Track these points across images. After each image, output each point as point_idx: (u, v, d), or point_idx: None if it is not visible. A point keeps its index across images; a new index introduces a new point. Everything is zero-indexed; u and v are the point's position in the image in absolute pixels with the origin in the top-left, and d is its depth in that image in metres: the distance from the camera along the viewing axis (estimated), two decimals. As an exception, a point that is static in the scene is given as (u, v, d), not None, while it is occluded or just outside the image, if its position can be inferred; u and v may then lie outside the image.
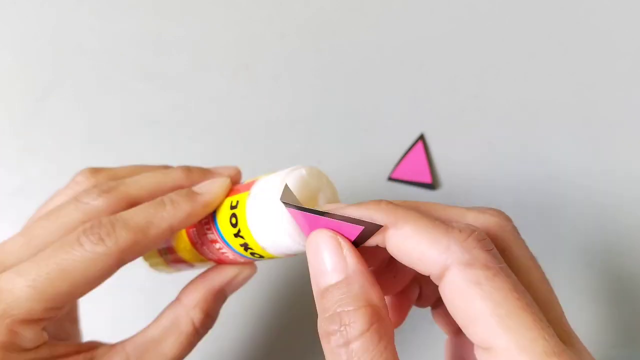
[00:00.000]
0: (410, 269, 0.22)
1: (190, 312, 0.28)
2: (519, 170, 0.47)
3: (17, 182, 0.48)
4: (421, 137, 0.48)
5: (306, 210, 0.22)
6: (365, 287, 0.21)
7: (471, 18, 0.53)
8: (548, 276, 0.23)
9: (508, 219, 0.24)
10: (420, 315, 0.33)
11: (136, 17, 0.54)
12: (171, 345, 0.28)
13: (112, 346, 0.27)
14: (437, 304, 0.29)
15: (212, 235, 0.28)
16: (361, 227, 0.21)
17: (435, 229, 0.21)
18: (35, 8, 0.55)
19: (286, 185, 0.24)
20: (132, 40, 0.53)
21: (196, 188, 0.28)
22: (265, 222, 0.25)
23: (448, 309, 0.21)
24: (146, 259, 0.34)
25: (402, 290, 0.28)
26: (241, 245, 0.27)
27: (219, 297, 0.29)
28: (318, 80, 0.51)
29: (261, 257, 0.27)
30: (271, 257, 0.27)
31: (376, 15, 0.54)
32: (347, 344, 0.20)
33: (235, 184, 0.30)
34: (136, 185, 0.28)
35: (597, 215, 0.46)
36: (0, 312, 0.23)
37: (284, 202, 0.23)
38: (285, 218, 0.24)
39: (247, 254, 0.27)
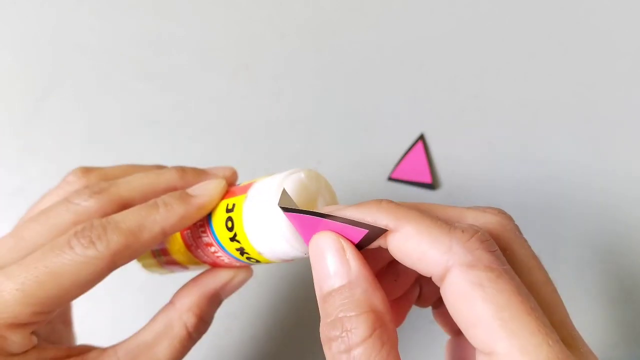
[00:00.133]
0: (412, 271, 0.21)
1: (183, 316, 0.27)
2: (519, 170, 0.47)
3: (17, 182, 0.47)
4: (421, 137, 0.47)
5: (306, 212, 0.21)
6: (368, 292, 0.20)
7: (471, 18, 0.53)
8: (548, 276, 0.22)
9: (509, 218, 0.23)
10: (420, 314, 0.32)
11: (136, 17, 0.54)
12: (164, 349, 0.26)
13: (103, 350, 0.26)
14: (438, 303, 0.28)
15: (207, 239, 0.27)
16: (365, 231, 0.20)
17: (437, 228, 0.20)
18: (35, 8, 0.54)
19: (284, 190, 0.22)
20: (132, 40, 0.53)
21: (190, 190, 0.27)
22: (262, 227, 0.24)
23: (449, 311, 0.20)
24: (139, 259, 0.33)
25: (402, 289, 0.27)
26: (237, 249, 0.25)
27: (213, 301, 0.28)
28: (318, 80, 0.51)
29: (257, 261, 0.26)
30: (268, 262, 0.26)
31: (376, 15, 0.53)
32: (348, 350, 0.19)
33: (231, 185, 0.28)
34: (128, 186, 0.27)
35: (597, 215, 0.45)
36: None
37: (282, 207, 0.22)
38: (283, 223, 0.23)
39: (243, 258, 0.26)
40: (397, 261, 0.21)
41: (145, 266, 0.33)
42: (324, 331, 0.20)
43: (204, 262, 0.29)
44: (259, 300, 0.42)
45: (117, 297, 0.42)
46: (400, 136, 0.48)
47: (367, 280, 0.20)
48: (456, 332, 0.27)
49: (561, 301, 0.21)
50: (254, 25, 0.53)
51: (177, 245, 0.29)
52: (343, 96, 0.50)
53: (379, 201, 0.21)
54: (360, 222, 0.20)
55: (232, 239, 0.25)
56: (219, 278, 0.28)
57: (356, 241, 0.21)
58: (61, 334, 0.30)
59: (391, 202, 0.21)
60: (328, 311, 0.20)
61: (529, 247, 0.22)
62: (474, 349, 0.19)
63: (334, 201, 0.25)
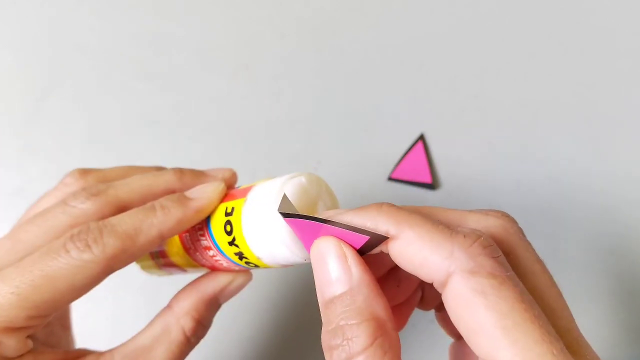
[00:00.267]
0: (415, 277, 0.20)
1: (181, 320, 0.26)
2: (519, 170, 0.46)
3: (17, 182, 0.47)
4: (421, 137, 0.47)
5: (306, 218, 0.21)
6: (370, 299, 0.20)
7: (471, 18, 0.52)
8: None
9: (513, 221, 0.22)
10: (420, 314, 0.31)
11: (136, 17, 0.53)
12: (161, 354, 0.26)
13: (100, 354, 0.26)
14: (441, 307, 0.27)
15: (205, 242, 0.26)
16: (366, 238, 0.20)
17: (439, 233, 0.19)
18: (35, 8, 0.53)
19: (284, 195, 0.22)
20: (132, 40, 0.52)
21: (188, 193, 0.26)
22: (261, 231, 0.23)
23: (451, 318, 0.19)
24: (138, 261, 0.32)
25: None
26: (236, 254, 0.25)
27: (211, 305, 0.28)
28: (318, 80, 0.50)
29: (256, 266, 0.25)
30: (267, 267, 0.25)
31: (376, 15, 0.53)
32: (349, 359, 0.19)
33: (230, 187, 0.28)
34: (126, 188, 0.26)
35: (597, 215, 0.44)
36: None
37: (282, 213, 0.21)
38: (282, 228, 0.22)
39: (242, 262, 0.25)
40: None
41: (143, 268, 0.32)
42: (325, 339, 0.20)
43: (203, 266, 0.28)
44: (259, 304, 0.42)
45: (116, 298, 0.42)
46: (400, 136, 0.47)
47: (369, 287, 0.20)
48: (459, 336, 0.26)
49: (566, 306, 0.20)
50: (254, 25, 0.52)
51: (175, 248, 0.28)
52: (343, 96, 0.49)
53: (380, 205, 0.20)
54: (361, 229, 0.20)
55: (231, 243, 0.24)
56: (218, 282, 0.27)
57: (358, 247, 0.20)
58: (59, 338, 0.29)
59: (392, 205, 0.20)
60: (329, 318, 0.20)
61: (533, 250, 0.21)
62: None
63: (334, 206, 0.24)
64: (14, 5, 0.53)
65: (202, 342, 0.28)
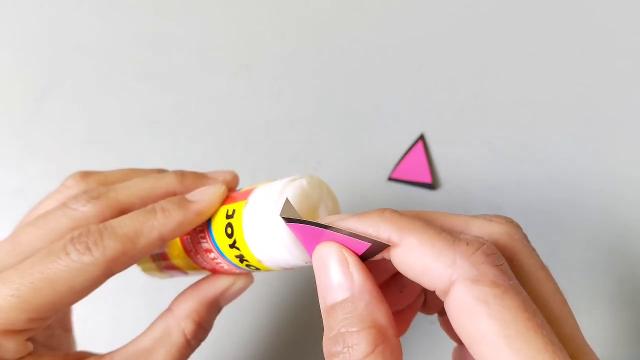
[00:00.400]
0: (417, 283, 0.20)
1: (181, 323, 0.26)
2: (519, 170, 0.46)
3: (17, 182, 0.46)
4: (421, 137, 0.46)
5: (308, 223, 0.20)
6: (371, 306, 0.19)
7: (471, 18, 0.52)
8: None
9: (517, 227, 0.21)
10: (421, 315, 0.31)
11: (136, 17, 0.53)
12: (162, 356, 0.26)
13: (101, 357, 0.26)
14: (444, 311, 0.27)
15: (206, 245, 0.26)
16: (368, 244, 0.20)
17: (442, 241, 0.19)
18: (35, 8, 0.53)
19: (286, 199, 0.21)
20: (132, 40, 0.52)
21: (189, 195, 0.26)
22: (262, 234, 0.23)
23: (453, 326, 0.19)
24: (139, 263, 0.32)
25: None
26: (237, 256, 0.24)
27: (212, 308, 0.27)
28: (318, 80, 0.50)
29: (257, 269, 0.25)
30: (268, 270, 0.25)
31: (376, 15, 0.52)
32: None
33: (231, 190, 0.27)
34: (127, 191, 0.26)
35: (597, 215, 0.44)
36: None
37: (283, 217, 0.21)
38: (284, 231, 0.22)
39: (243, 265, 0.25)
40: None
41: (144, 270, 0.32)
42: (327, 346, 0.20)
43: (204, 268, 0.28)
44: (260, 307, 0.42)
45: (117, 300, 0.42)
46: (400, 136, 0.47)
47: (371, 294, 0.20)
48: (462, 342, 0.26)
49: (571, 314, 0.20)
50: (254, 25, 0.52)
51: (176, 250, 0.28)
52: (343, 96, 0.49)
53: (382, 211, 0.20)
54: (363, 236, 0.20)
55: (232, 245, 0.24)
56: (218, 284, 0.27)
57: (360, 252, 0.20)
58: (60, 340, 0.29)
59: (394, 211, 0.20)
60: (331, 325, 0.20)
61: (537, 256, 0.21)
62: None
63: (336, 209, 0.24)
64: (14, 5, 0.53)
65: (203, 344, 0.28)
